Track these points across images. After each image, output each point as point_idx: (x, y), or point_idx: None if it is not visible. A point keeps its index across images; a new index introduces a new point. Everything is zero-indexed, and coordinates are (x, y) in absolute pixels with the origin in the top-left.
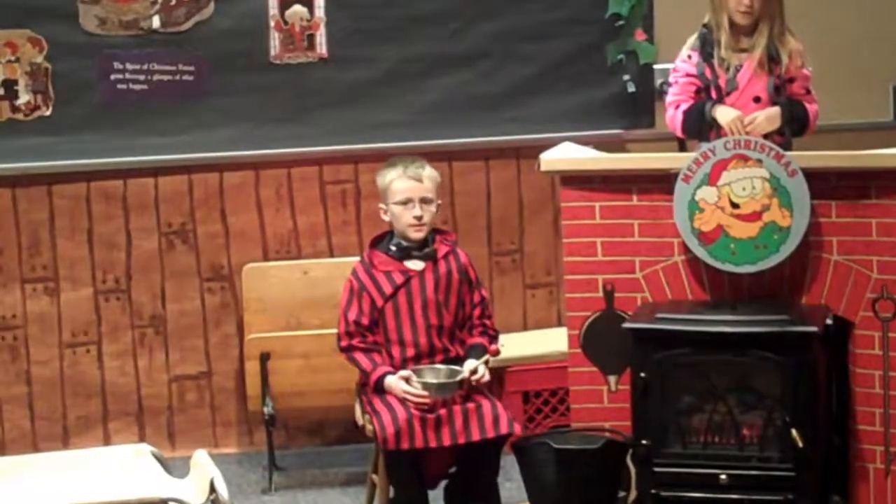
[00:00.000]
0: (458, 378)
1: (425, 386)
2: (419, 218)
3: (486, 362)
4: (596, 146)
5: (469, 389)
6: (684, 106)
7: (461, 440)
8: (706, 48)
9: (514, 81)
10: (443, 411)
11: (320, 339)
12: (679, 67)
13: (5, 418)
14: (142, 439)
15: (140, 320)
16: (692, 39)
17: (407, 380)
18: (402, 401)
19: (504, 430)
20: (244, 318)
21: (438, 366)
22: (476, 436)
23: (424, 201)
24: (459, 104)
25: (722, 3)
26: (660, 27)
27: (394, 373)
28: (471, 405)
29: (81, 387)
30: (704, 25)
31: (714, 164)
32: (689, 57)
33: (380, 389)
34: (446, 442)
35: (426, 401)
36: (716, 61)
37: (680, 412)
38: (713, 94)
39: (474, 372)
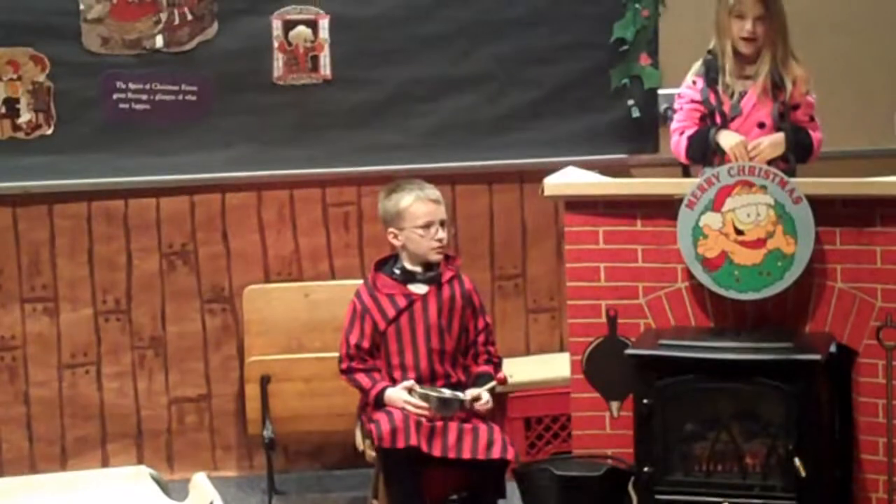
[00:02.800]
0: (460, 397)
1: (426, 397)
2: (441, 240)
3: (492, 390)
4: (600, 171)
5: (470, 414)
6: (689, 132)
7: (451, 455)
8: (711, 74)
9: (518, 105)
10: (439, 423)
11: (321, 363)
12: (684, 94)
13: (3, 439)
14: (140, 461)
15: (140, 341)
16: (697, 65)
17: (409, 391)
18: (402, 409)
19: (496, 454)
20: (245, 341)
21: (442, 389)
22: (467, 454)
23: (443, 223)
24: (463, 127)
25: (725, 30)
26: (664, 52)
27: (394, 386)
28: (467, 425)
29: (80, 408)
30: (709, 52)
31: (718, 190)
32: (694, 83)
33: (380, 404)
34: (436, 452)
35: (426, 413)
36: (720, 87)
37: (682, 439)
38: (717, 120)
39: (478, 398)
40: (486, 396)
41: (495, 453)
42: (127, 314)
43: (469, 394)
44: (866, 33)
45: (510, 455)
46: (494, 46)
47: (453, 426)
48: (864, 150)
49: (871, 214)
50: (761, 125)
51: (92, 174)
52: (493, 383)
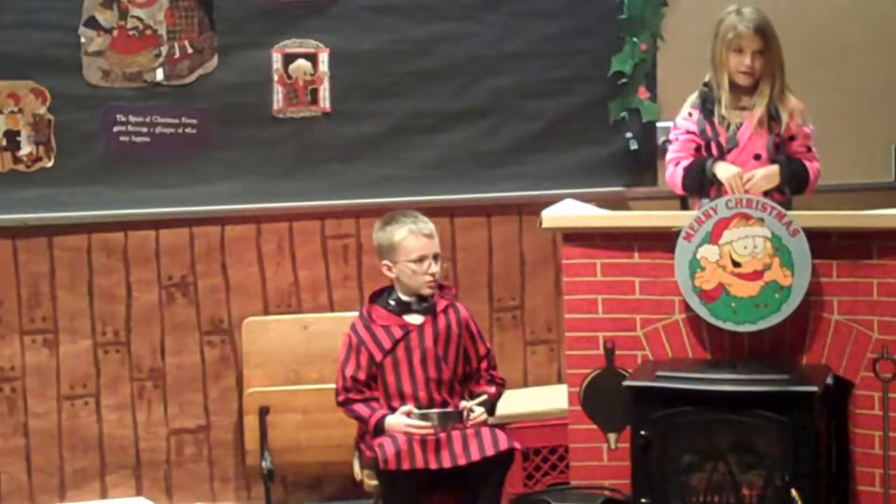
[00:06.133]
0: (458, 409)
1: (426, 416)
2: (434, 274)
3: (489, 406)
4: (598, 203)
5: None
6: (685, 163)
7: (461, 461)
8: (707, 105)
9: (516, 138)
10: (443, 435)
11: (319, 394)
12: (679, 125)
13: (2, 471)
14: (139, 493)
15: (139, 373)
16: (693, 97)
17: (407, 415)
18: (405, 433)
19: (503, 446)
20: (244, 372)
21: (437, 409)
22: (476, 455)
23: (436, 257)
24: (462, 160)
25: (722, 64)
26: (662, 85)
27: (392, 413)
28: (470, 431)
29: (79, 440)
30: (705, 84)
31: (716, 222)
32: (690, 114)
33: (380, 432)
34: (446, 463)
35: (429, 431)
36: (716, 119)
37: (680, 471)
38: (714, 151)
39: (471, 411)
40: (478, 409)
41: (502, 445)
42: (126, 346)
43: (462, 405)
44: (863, 67)
45: (517, 445)
46: (493, 80)
47: (457, 435)
48: (860, 184)
49: (867, 247)
50: (757, 157)
51: (92, 206)
52: (484, 397)
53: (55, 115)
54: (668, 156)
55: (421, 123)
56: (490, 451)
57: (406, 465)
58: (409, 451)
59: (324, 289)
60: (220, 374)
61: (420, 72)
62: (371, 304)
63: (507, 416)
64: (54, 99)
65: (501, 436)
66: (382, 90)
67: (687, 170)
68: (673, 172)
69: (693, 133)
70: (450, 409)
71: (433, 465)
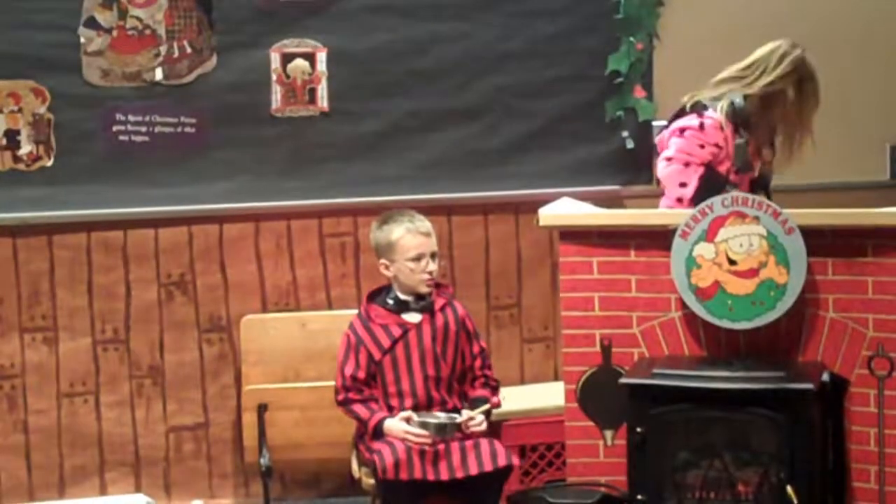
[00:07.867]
0: (458, 420)
1: (425, 425)
2: (431, 273)
3: (487, 413)
4: (594, 202)
5: (466, 435)
6: (699, 172)
7: (459, 474)
8: (738, 125)
9: (513, 137)
10: (441, 447)
11: (318, 392)
12: (709, 133)
13: (2, 468)
14: (138, 490)
15: (138, 371)
16: (726, 106)
17: (407, 421)
18: (403, 440)
19: (502, 462)
20: (242, 370)
21: (437, 413)
22: (474, 469)
23: (433, 256)
24: (459, 159)
25: (766, 117)
26: (658, 85)
27: (392, 416)
28: (469, 442)
29: (79, 437)
30: (734, 103)
31: (712, 220)
32: (722, 128)
33: (379, 434)
34: (444, 476)
35: (426, 440)
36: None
37: (676, 468)
38: (728, 172)
39: (472, 419)
40: (479, 418)
41: (501, 462)
42: (125, 343)
43: (464, 415)
44: (858, 66)
45: (515, 461)
46: (490, 79)
47: (455, 447)
48: (856, 182)
49: (862, 245)
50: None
51: (91, 205)
52: (486, 406)
53: (55, 115)
54: (676, 153)
55: (418, 122)
56: (488, 467)
57: (404, 476)
58: (408, 462)
59: (322, 287)
60: (219, 372)
61: (417, 71)
62: (369, 303)
63: (504, 413)
64: (54, 98)
65: (500, 450)
66: (380, 89)
67: (704, 182)
68: (679, 171)
69: (720, 148)
70: (447, 421)
71: (431, 477)
